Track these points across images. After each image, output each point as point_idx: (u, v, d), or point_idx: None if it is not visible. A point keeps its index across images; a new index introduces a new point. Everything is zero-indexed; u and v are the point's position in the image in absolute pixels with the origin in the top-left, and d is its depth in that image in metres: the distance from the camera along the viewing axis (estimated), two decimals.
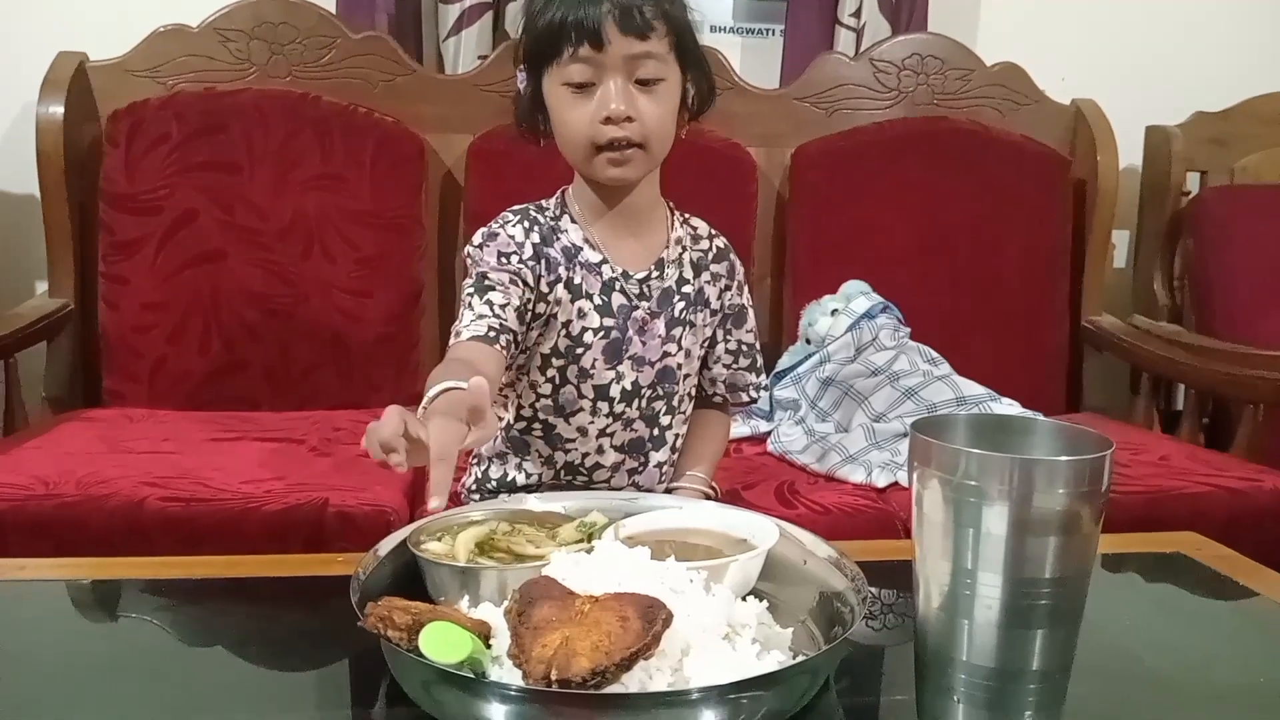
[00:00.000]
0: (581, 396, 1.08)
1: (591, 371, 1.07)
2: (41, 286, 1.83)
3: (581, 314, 1.06)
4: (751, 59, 2.09)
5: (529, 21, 1.03)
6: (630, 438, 1.11)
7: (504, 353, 0.98)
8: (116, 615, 0.89)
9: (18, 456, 1.38)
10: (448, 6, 1.90)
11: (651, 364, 1.09)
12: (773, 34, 2.10)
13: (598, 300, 1.06)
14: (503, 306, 0.99)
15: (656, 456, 1.13)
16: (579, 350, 1.07)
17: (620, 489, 1.12)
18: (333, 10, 1.87)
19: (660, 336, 1.09)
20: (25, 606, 0.85)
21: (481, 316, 0.98)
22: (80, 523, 1.22)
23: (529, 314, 1.04)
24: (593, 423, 1.09)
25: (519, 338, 1.02)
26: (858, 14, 2.01)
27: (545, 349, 1.07)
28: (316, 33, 1.82)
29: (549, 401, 1.09)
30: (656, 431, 1.12)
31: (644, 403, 1.10)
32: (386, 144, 1.79)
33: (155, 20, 1.79)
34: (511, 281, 1.01)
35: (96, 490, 1.25)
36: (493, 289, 1.00)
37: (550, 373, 1.08)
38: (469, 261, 1.05)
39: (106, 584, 0.91)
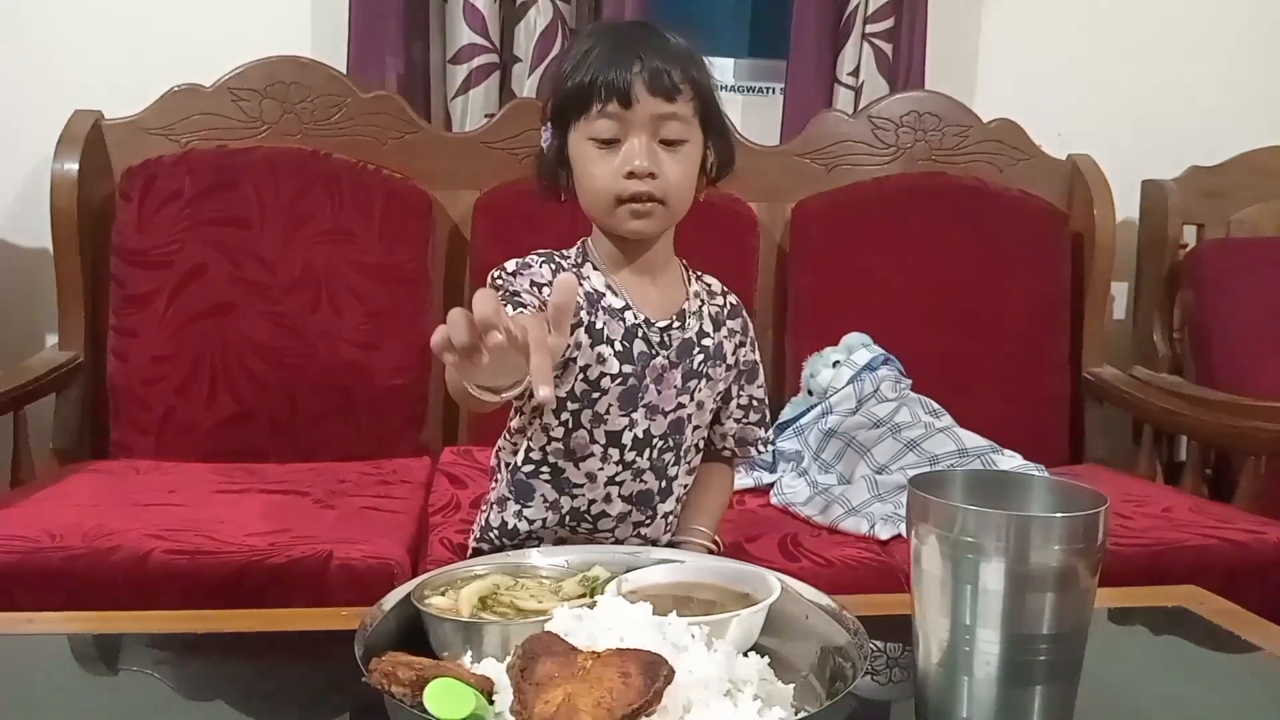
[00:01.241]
0: (593, 441, 1.08)
1: (606, 417, 1.08)
2: (52, 339, 1.85)
3: (601, 359, 1.06)
4: (753, 116, 2.13)
5: (559, 80, 1.06)
6: (639, 489, 1.11)
7: None
8: (121, 670, 0.89)
9: (25, 509, 1.39)
10: (456, 67, 1.95)
11: (665, 414, 1.10)
12: (773, 92, 2.14)
13: (618, 346, 1.07)
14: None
15: (664, 508, 1.13)
16: (595, 395, 1.07)
17: (624, 540, 1.12)
18: (343, 70, 1.91)
19: (676, 387, 1.09)
20: (33, 660, 0.86)
21: None
22: (86, 575, 1.23)
23: None
24: (602, 469, 1.09)
25: None
26: (856, 73, 2.05)
27: (562, 392, 1.07)
28: (327, 92, 1.86)
29: (560, 445, 1.09)
30: (664, 484, 1.12)
31: (654, 453, 1.10)
32: (395, 199, 1.82)
33: (170, 80, 1.83)
34: (541, 308, 1.01)
35: (102, 543, 1.26)
36: (524, 306, 1.00)
37: (564, 416, 1.08)
38: (498, 282, 1.05)
39: (112, 638, 0.91)
